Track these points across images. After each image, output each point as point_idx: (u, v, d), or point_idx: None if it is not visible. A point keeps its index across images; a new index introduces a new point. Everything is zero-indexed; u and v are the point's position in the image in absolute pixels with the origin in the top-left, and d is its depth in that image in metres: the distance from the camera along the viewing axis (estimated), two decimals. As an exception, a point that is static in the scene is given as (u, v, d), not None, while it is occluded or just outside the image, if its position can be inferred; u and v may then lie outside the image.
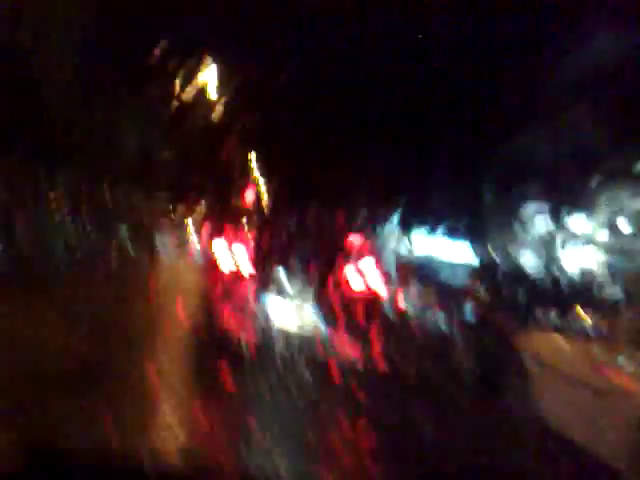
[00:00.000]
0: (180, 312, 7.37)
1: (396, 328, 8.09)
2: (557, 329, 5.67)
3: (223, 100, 11.01)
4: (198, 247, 8.15)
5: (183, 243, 10.09)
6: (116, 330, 6.43)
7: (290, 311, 6.76)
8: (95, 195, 11.05)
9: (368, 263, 7.16)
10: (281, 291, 6.85)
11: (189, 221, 10.87)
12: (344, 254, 7.18)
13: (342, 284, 6.91)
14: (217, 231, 7.67)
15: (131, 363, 5.75)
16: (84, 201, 11.24)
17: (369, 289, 6.99)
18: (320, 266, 7.05)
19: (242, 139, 10.97)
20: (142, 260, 9.81)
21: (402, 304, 8.25)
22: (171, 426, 4.74)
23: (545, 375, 5.64)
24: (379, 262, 7.36)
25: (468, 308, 7.99)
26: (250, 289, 6.83)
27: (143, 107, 11.08)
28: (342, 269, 7.04)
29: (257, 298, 6.75)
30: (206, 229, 8.68)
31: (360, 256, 7.17)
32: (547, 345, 5.94)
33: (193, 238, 10.08)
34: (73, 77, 10.43)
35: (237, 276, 6.94)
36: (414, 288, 8.63)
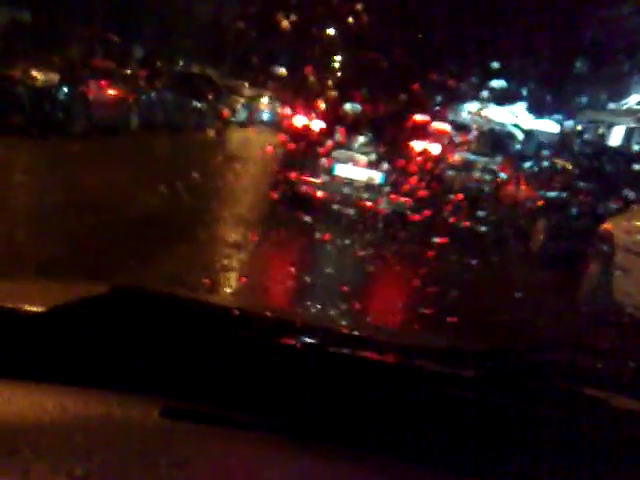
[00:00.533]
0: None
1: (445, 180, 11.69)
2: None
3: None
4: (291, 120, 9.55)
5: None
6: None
7: (357, 170, 8.80)
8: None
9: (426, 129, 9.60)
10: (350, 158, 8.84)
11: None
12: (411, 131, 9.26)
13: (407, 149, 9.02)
14: (300, 108, 9.49)
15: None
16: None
17: (425, 149, 9.17)
18: (388, 132, 9.13)
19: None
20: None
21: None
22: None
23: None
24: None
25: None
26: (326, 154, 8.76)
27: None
28: (404, 137, 9.13)
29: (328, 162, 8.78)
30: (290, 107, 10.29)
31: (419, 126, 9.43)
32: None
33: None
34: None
35: (313, 143, 8.78)
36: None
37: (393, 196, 8.54)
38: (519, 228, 9.65)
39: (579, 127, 30.68)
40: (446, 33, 34.00)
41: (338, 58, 46.80)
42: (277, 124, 27.66)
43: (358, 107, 9.39)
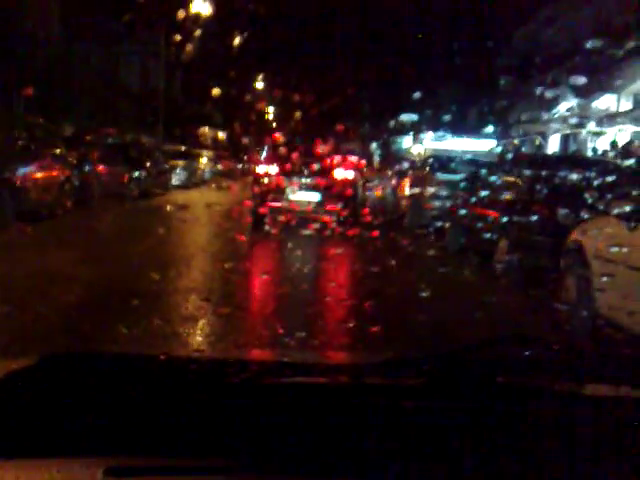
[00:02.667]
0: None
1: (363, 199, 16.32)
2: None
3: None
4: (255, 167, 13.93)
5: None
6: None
7: (302, 194, 12.72)
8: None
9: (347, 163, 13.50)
10: (299, 185, 12.81)
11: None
12: (332, 162, 13.12)
13: (331, 176, 12.96)
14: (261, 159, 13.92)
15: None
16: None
17: (346, 177, 13.18)
18: (319, 170, 12.83)
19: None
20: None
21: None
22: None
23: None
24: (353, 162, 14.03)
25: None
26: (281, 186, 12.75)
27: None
28: (331, 169, 13.02)
29: (285, 190, 12.73)
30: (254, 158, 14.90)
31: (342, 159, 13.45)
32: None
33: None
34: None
35: (275, 180, 12.83)
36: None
37: (327, 207, 12.42)
38: (481, 247, 9.32)
39: (516, 141, 30.91)
40: (368, 72, 34.45)
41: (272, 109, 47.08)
42: (219, 181, 27.39)
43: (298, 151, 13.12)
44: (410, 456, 1.25)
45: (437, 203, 12.17)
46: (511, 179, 9.87)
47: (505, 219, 8.56)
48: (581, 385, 1.60)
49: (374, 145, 40.95)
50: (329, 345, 4.68)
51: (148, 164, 18.74)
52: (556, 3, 27.02)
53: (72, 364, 1.45)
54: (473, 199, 10.43)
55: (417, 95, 32.82)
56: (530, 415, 1.37)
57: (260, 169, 13.36)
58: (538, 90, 28.77)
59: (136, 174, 17.52)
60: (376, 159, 31.73)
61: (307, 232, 10.34)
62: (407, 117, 36.26)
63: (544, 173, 8.92)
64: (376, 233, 9.78)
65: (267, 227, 11.53)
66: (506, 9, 29.34)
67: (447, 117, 34.50)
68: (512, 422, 1.35)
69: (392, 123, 38.09)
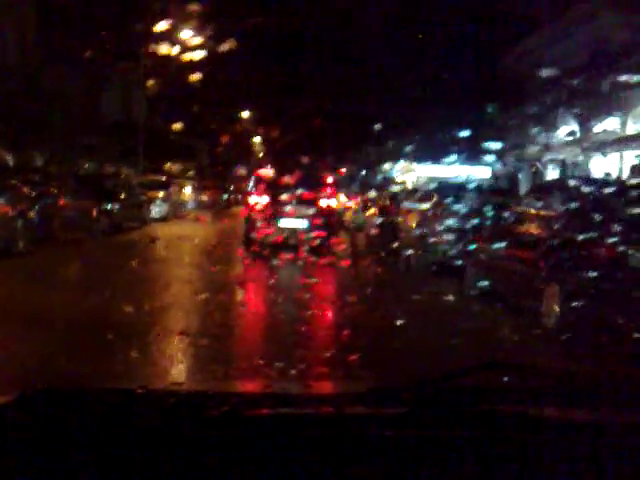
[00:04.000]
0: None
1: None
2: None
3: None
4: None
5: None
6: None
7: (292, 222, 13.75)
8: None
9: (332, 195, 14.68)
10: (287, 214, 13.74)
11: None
12: (318, 192, 14.16)
13: (317, 205, 13.98)
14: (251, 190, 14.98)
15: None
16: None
17: (330, 207, 14.35)
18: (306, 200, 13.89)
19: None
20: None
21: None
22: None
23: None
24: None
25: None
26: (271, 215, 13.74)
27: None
28: (317, 199, 14.05)
29: (275, 219, 13.71)
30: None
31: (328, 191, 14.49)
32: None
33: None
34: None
35: (264, 210, 13.88)
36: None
37: (314, 233, 13.06)
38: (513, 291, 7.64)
39: (511, 168, 29.37)
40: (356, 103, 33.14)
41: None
42: (202, 212, 25.62)
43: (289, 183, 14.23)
44: None
45: (450, 238, 10.39)
46: (533, 211, 8.27)
47: (552, 261, 6.75)
48: (560, 410, 1.58)
49: (363, 173, 39.46)
50: (312, 375, 4.47)
51: (122, 196, 16.87)
52: (553, 23, 25.60)
53: (52, 400, 1.43)
54: (494, 234, 8.74)
55: (402, 121, 31.39)
56: (513, 441, 1.38)
57: (252, 199, 14.47)
58: (535, 114, 27.34)
59: (108, 207, 15.65)
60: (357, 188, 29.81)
61: (296, 260, 11.20)
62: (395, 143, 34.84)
63: (593, 200, 7.14)
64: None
65: (257, 251, 12.37)
66: (500, 28, 27.98)
67: (436, 143, 33.08)
68: (496, 449, 1.37)
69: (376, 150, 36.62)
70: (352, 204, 22.15)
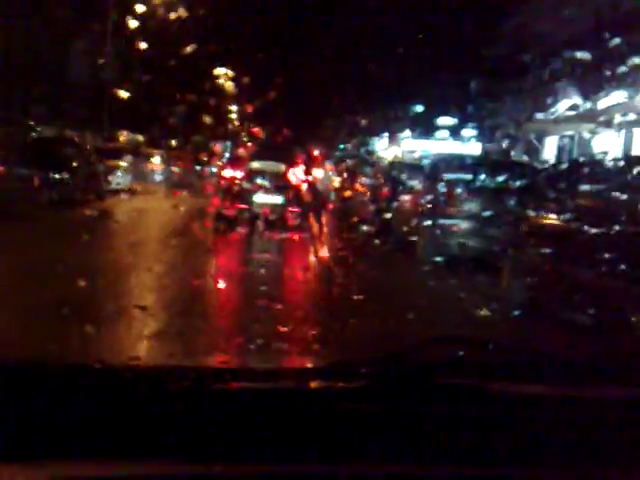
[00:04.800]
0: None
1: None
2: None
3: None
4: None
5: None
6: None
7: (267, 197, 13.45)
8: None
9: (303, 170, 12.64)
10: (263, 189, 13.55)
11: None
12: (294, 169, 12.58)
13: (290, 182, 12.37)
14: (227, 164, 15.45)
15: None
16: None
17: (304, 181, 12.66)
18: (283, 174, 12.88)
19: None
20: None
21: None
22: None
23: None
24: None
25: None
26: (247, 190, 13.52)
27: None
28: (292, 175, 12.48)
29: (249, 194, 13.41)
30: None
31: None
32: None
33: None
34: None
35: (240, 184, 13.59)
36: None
37: (288, 208, 12.47)
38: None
39: (503, 145, 27.34)
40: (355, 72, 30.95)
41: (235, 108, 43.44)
42: (176, 184, 23.33)
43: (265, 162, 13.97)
44: (352, 458, 1.30)
45: (466, 225, 8.33)
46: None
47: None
48: (514, 384, 1.58)
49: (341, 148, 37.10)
50: (272, 350, 4.04)
51: (74, 164, 14.59)
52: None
53: (11, 375, 1.41)
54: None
55: (391, 91, 29.20)
56: (467, 415, 1.40)
57: (226, 173, 13.94)
58: (532, 87, 25.31)
59: (55, 176, 13.39)
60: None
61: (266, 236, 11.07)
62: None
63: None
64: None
65: (226, 227, 11.81)
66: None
67: (424, 116, 30.96)
68: (450, 422, 1.38)
69: (364, 122, 34.30)
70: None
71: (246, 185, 13.27)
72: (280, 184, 12.87)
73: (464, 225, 8.38)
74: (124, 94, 26.07)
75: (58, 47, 27.04)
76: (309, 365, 1.92)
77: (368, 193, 13.85)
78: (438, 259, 8.24)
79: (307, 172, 12.79)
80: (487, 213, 8.00)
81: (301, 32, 30.24)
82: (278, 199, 13.03)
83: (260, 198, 13.15)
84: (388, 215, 11.51)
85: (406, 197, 10.88)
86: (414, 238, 9.61)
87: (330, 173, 20.05)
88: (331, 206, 14.01)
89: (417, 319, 5.33)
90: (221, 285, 7.47)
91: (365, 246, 10.58)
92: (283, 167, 12.87)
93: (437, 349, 1.71)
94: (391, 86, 29.24)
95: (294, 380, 1.52)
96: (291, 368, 1.92)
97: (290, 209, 12.41)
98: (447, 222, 8.52)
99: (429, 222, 9.13)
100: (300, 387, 1.47)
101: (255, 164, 13.80)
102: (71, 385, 1.37)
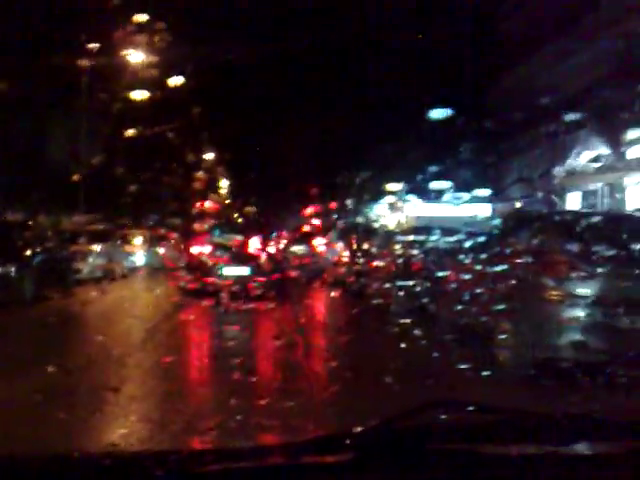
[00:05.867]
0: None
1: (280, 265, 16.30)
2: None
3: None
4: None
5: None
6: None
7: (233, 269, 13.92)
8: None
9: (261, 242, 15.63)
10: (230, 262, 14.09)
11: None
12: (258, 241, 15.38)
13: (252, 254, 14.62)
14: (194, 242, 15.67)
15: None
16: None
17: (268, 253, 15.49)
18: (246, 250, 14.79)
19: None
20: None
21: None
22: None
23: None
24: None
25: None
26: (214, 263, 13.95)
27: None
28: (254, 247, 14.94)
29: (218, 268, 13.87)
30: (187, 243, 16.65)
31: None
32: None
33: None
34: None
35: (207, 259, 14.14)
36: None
37: (255, 278, 13.28)
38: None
39: (518, 204, 24.80)
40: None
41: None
42: (155, 271, 20.57)
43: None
44: None
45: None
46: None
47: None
48: (506, 446, 1.55)
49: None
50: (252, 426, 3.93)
51: (28, 252, 11.81)
52: (566, 36, 21.28)
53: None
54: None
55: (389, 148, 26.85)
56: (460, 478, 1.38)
57: (194, 249, 14.68)
58: (548, 139, 22.99)
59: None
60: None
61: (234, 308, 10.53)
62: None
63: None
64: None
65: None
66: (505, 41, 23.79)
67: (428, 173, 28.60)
68: None
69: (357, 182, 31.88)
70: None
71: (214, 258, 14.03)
72: (245, 258, 14.13)
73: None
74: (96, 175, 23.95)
75: (35, 124, 24.85)
76: (291, 440, 1.66)
77: (386, 266, 11.43)
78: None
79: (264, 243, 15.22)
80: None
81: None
82: (245, 270, 13.83)
83: (229, 270, 13.78)
84: (425, 298, 8.66)
85: (456, 273, 7.88)
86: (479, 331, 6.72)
87: (337, 246, 17.67)
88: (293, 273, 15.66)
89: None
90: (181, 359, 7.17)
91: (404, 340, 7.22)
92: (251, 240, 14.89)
93: (426, 415, 1.61)
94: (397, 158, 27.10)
95: (281, 457, 1.44)
96: (276, 444, 1.80)
97: (256, 279, 13.20)
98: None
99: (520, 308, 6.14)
100: (288, 463, 1.40)
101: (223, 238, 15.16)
102: (52, 476, 1.33)
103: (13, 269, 10.80)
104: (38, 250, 12.27)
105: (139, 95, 24.54)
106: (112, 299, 12.80)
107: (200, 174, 35.72)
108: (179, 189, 33.16)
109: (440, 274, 8.22)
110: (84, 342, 8.07)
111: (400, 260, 10.20)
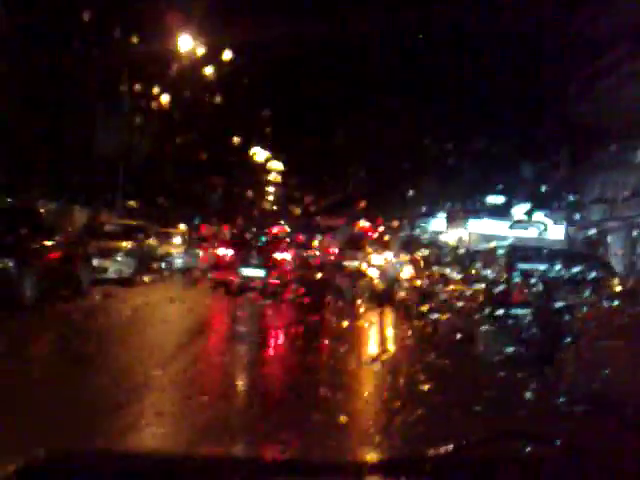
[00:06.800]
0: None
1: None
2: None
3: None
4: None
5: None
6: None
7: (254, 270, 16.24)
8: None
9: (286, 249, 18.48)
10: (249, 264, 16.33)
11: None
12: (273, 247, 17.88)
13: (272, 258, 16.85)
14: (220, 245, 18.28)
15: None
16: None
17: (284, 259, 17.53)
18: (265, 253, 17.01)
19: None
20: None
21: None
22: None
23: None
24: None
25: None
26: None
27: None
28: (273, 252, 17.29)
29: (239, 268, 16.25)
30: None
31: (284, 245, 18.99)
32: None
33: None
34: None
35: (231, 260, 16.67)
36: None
37: (270, 281, 15.56)
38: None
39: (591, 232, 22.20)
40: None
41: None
42: (191, 273, 18.81)
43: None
44: None
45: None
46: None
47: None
48: None
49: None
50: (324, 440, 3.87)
51: (34, 246, 10.01)
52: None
53: (57, 463, 1.43)
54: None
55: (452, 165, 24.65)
56: None
57: (219, 251, 17.27)
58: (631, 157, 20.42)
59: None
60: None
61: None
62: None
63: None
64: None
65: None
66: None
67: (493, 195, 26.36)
68: None
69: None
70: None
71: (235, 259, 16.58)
72: (262, 261, 16.47)
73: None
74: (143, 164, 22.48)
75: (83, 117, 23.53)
76: (364, 459, 1.69)
77: (467, 291, 9.53)
78: None
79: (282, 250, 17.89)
80: None
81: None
82: (261, 272, 16.08)
83: (247, 271, 16.10)
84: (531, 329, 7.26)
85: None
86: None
87: (397, 261, 15.76)
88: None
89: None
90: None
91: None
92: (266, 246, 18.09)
93: (500, 445, 1.57)
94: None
95: (353, 475, 1.42)
96: (349, 462, 1.73)
97: (270, 281, 15.56)
98: None
99: None
100: None
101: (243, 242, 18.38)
102: (121, 475, 1.35)
103: (11, 264, 8.99)
104: (47, 243, 10.45)
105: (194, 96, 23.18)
106: (128, 306, 10.91)
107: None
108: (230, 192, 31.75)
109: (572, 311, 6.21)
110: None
111: (497, 287, 8.18)
